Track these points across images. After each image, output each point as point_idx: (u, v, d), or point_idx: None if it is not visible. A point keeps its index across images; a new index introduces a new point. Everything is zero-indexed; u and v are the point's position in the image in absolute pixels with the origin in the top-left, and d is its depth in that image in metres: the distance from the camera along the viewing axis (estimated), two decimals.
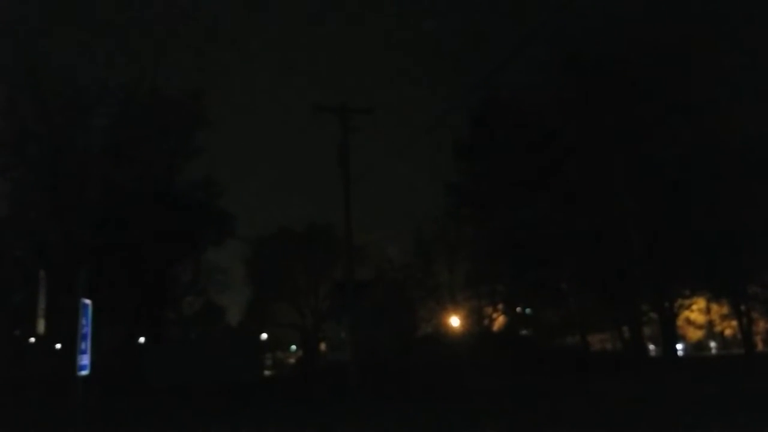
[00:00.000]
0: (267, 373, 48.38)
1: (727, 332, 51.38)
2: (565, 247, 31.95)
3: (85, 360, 11.19)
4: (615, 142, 29.88)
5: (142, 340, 38.44)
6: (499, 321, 43.27)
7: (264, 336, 55.29)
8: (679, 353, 40.68)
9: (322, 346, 57.91)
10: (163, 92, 34.69)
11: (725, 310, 43.49)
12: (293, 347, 73.08)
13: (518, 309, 42.65)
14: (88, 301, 11.55)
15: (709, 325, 50.93)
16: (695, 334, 53.61)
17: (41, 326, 12.70)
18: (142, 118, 34.57)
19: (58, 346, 32.01)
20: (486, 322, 42.31)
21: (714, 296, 39.56)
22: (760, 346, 44.89)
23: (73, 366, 10.92)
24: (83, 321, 11.28)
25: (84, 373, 11.13)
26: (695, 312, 44.69)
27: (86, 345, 11.28)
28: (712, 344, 57.65)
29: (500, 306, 41.95)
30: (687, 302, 35.23)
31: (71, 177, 32.53)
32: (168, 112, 35.01)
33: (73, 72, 32.61)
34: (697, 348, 56.61)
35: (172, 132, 35.74)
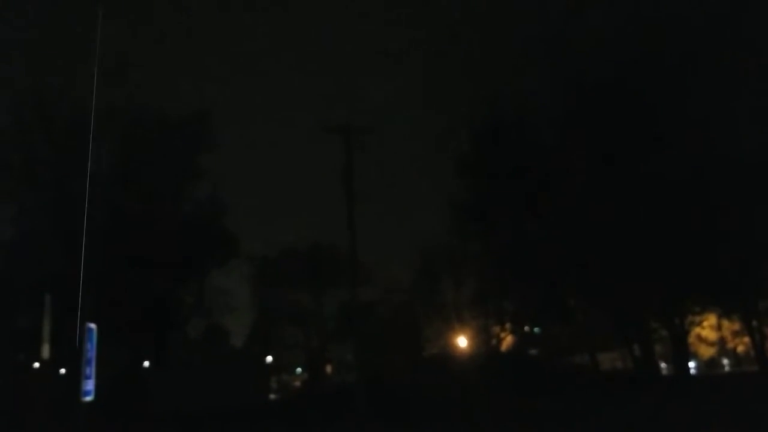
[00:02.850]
0: (272, 396, 47.89)
1: (740, 349, 50.64)
2: (571, 264, 31.67)
3: (89, 385, 11.00)
4: (620, 159, 29.80)
5: (146, 363, 38.09)
6: (507, 340, 42.83)
7: (269, 358, 54.76)
8: (692, 371, 40.10)
9: (328, 368, 57.33)
10: (168, 115, 34.88)
11: (737, 326, 42.92)
12: (299, 370, 72.38)
13: (526, 328, 42.23)
14: (93, 326, 11.40)
15: (721, 341, 50.24)
16: (707, 351, 52.84)
17: (46, 351, 12.53)
18: (147, 141, 34.69)
19: (63, 371, 31.74)
20: (494, 341, 41.88)
21: (725, 312, 39.06)
22: None
23: (78, 391, 10.72)
24: (88, 345, 11.11)
25: (88, 398, 10.93)
26: (706, 329, 44.09)
27: (91, 370, 11.10)
28: (725, 361, 56.82)
29: (508, 325, 41.55)
30: (698, 319, 34.79)
31: (77, 200, 32.55)
32: (173, 134, 35.13)
33: (82, 96, 32.84)
34: (709, 365, 55.80)
35: (177, 154, 35.80)
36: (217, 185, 46.19)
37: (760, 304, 34.33)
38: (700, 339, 46.98)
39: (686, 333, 32.99)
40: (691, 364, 41.50)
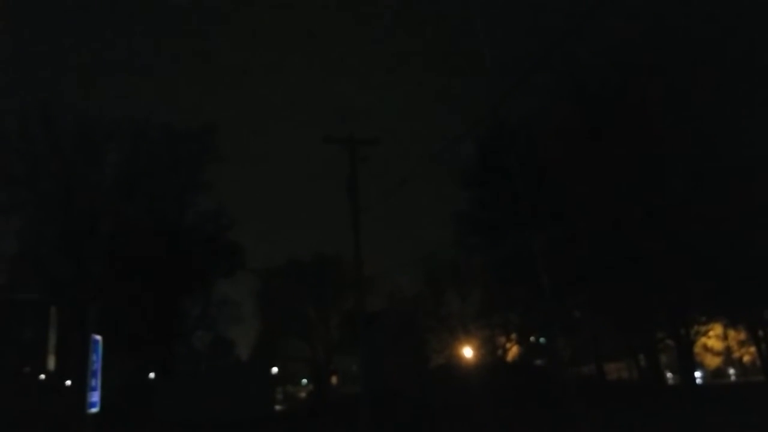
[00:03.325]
0: (278, 407, 47.79)
1: (746, 358, 50.31)
2: (576, 275, 31.60)
3: (95, 397, 11.04)
4: (623, 168, 29.78)
5: (152, 375, 38.15)
6: (513, 351, 42.68)
7: (274, 370, 54.73)
8: (698, 381, 39.85)
9: (334, 379, 57.19)
10: (174, 127, 35.19)
11: (743, 335, 42.68)
12: (304, 381, 72.26)
13: (532, 338, 42.08)
14: (98, 337, 11.47)
15: (727, 351, 49.91)
16: (713, 361, 52.48)
17: (51, 363, 12.62)
18: (153, 153, 34.95)
19: (68, 382, 31.83)
20: (499, 352, 41.76)
21: (731, 322, 38.86)
22: None
23: (83, 403, 10.77)
24: (93, 357, 11.18)
25: (94, 410, 10.97)
26: (712, 338, 43.88)
27: (96, 382, 11.15)
28: (731, 371, 56.41)
29: (513, 336, 41.42)
30: (703, 328, 34.58)
31: (83, 212, 32.76)
32: (179, 146, 35.41)
33: (86, 108, 33.13)
34: (715, 375, 55.40)
35: (182, 166, 36.07)
36: (223, 198, 46.51)
37: (766, 313, 34.15)
38: (706, 349, 46.71)
39: (692, 343, 32.80)
40: (697, 374, 41.26)
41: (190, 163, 36.14)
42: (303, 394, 68.62)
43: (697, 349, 39.97)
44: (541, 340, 42.48)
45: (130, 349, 32.01)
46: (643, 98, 29.35)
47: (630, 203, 28.94)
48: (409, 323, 45.50)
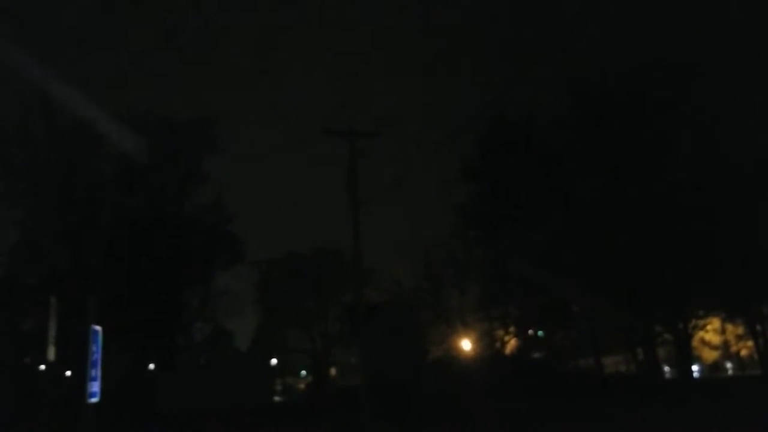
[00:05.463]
0: (277, 399, 48.00)
1: (744, 353, 50.45)
2: (576, 268, 31.67)
3: (95, 387, 11.11)
4: (624, 162, 29.82)
5: (151, 366, 38.28)
6: (511, 344, 42.77)
7: (274, 361, 54.91)
8: (695, 375, 40.01)
9: (333, 371, 57.39)
10: (173, 118, 35.16)
11: (741, 330, 42.79)
12: (303, 372, 72.51)
13: (530, 331, 42.18)
14: (98, 328, 11.52)
15: (725, 345, 50.04)
16: (711, 355, 52.64)
17: (51, 353, 12.67)
18: (153, 145, 34.95)
19: (68, 373, 31.96)
20: (498, 345, 41.84)
21: (729, 316, 38.95)
22: None
23: (84, 393, 10.84)
24: (93, 348, 11.23)
25: (94, 400, 11.04)
26: (710, 332, 43.97)
27: (96, 372, 11.21)
28: (729, 365, 56.59)
29: (512, 329, 41.50)
30: (701, 322, 34.70)
31: (82, 203, 32.81)
32: (178, 138, 35.41)
33: (85, 100, 33.12)
34: (713, 369, 55.58)
35: (182, 158, 36.09)
36: (224, 191, 46.50)
37: (765, 307, 34.26)
38: (704, 343, 46.84)
39: (690, 337, 32.90)
40: (695, 368, 41.40)
41: (189, 155, 36.18)
42: (302, 386, 68.91)
43: (695, 343, 40.09)
44: (540, 333, 42.60)
45: (130, 340, 32.10)
46: (645, 94, 29.36)
47: (631, 197, 29.00)
48: (407, 316, 45.59)
